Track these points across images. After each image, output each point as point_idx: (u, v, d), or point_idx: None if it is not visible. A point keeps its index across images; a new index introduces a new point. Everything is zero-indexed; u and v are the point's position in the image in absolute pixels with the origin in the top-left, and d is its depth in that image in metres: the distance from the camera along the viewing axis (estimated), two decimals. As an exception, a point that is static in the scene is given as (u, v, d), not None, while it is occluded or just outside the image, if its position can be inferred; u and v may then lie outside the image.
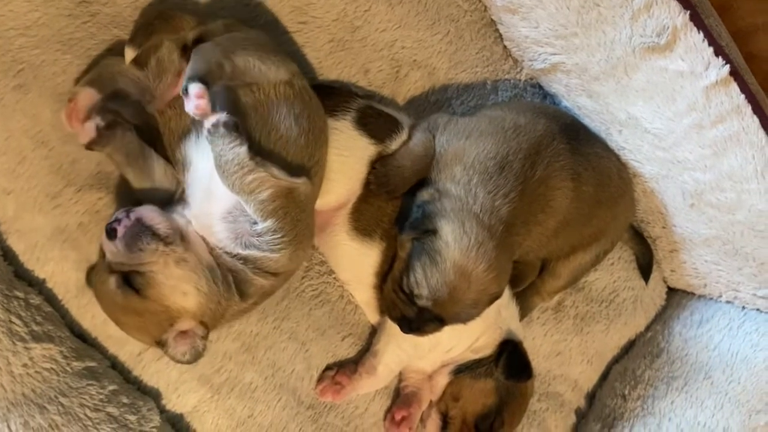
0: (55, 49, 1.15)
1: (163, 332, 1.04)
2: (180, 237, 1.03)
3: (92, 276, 1.12)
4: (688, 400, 1.37)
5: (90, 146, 1.08)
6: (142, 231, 1.00)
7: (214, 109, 0.99)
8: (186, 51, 1.09)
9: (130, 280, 1.00)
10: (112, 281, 1.01)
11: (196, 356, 1.05)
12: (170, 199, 1.10)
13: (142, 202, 1.08)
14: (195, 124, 1.06)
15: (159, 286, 1.01)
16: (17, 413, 1.02)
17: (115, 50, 1.18)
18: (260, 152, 1.02)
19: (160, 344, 1.05)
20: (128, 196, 1.15)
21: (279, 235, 1.03)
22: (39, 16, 1.14)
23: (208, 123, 0.99)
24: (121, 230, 1.00)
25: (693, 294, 1.53)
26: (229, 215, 1.04)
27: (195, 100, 0.97)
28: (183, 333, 1.04)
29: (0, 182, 1.12)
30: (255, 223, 1.02)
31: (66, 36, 1.16)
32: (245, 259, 1.04)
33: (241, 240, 1.04)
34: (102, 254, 1.06)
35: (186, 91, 0.98)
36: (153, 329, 1.03)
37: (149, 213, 1.03)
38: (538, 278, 1.40)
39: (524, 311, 1.40)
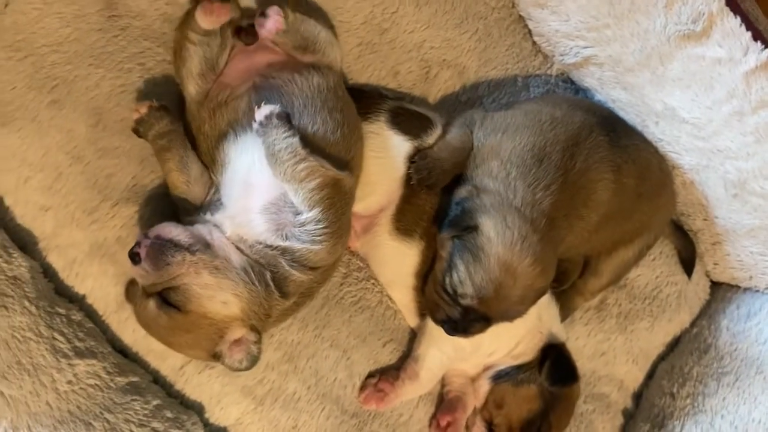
0: (88, 63, 1.17)
1: (215, 345, 1.05)
2: (204, 245, 1.04)
3: (131, 295, 1.14)
4: (741, 396, 1.35)
5: (137, 126, 1.11)
6: (163, 245, 1.02)
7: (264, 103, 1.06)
8: (239, 32, 1.16)
9: (168, 299, 1.02)
10: (152, 305, 1.02)
11: (253, 361, 1.06)
12: (200, 205, 1.11)
13: (177, 207, 1.12)
14: (232, 125, 1.09)
15: (197, 298, 1.02)
16: (64, 430, 1.03)
17: (147, 65, 1.21)
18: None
19: (216, 357, 1.06)
20: (164, 208, 1.17)
21: (322, 226, 1.04)
22: (70, 32, 1.17)
23: (260, 115, 1.03)
24: (143, 252, 1.01)
25: (738, 287, 1.51)
26: (272, 206, 1.06)
27: (275, 16, 1.12)
28: (236, 341, 1.05)
29: (38, 199, 1.14)
30: (299, 213, 1.04)
31: (98, 50, 1.18)
32: (284, 251, 1.05)
33: (282, 231, 1.05)
34: (135, 282, 1.07)
35: (265, 14, 1.12)
36: (205, 344, 1.05)
37: (166, 227, 1.04)
38: (579, 278, 1.38)
39: (567, 312, 1.39)
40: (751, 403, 1.33)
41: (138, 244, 1.02)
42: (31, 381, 1.03)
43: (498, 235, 1.09)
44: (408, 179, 1.19)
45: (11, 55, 1.13)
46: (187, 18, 1.15)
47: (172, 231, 1.04)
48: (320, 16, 1.26)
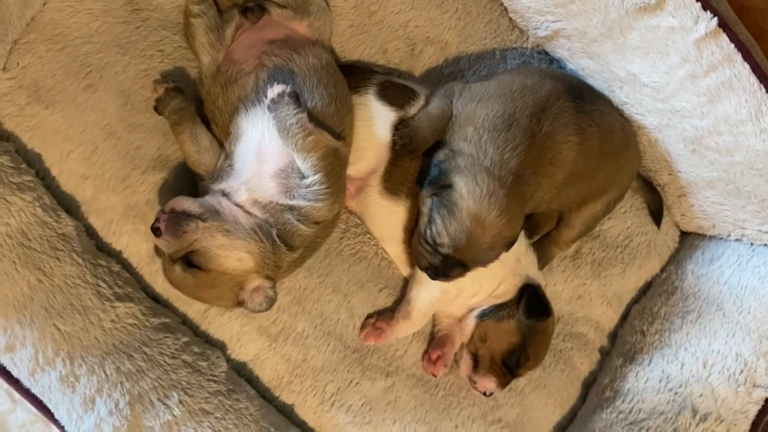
0: (115, 51, 1.30)
1: (237, 295, 1.18)
2: (214, 212, 1.15)
3: (160, 251, 1.25)
4: (702, 331, 1.44)
5: (157, 104, 1.26)
6: (179, 217, 1.12)
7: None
8: (245, 12, 1.29)
9: (192, 261, 1.14)
10: (178, 268, 1.15)
11: (271, 303, 1.20)
12: (212, 170, 1.24)
13: (194, 172, 1.25)
14: (242, 100, 1.22)
15: (215, 257, 1.14)
16: (110, 360, 1.18)
17: (166, 51, 1.33)
18: None
19: (240, 304, 1.19)
20: (185, 175, 1.31)
21: (324, 187, 1.17)
22: (99, 25, 1.30)
23: (273, 93, 1.16)
24: (162, 225, 1.12)
25: (704, 235, 1.59)
26: (282, 172, 1.19)
27: None
28: (255, 289, 1.18)
29: (79, 169, 1.28)
30: (304, 177, 1.17)
31: (123, 40, 1.31)
32: (292, 208, 1.18)
33: (290, 193, 1.18)
34: (161, 252, 1.20)
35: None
36: (229, 294, 1.18)
37: (179, 201, 1.15)
38: (554, 229, 1.48)
39: (544, 260, 1.49)
40: (711, 337, 1.42)
41: (157, 219, 1.13)
42: (81, 319, 1.18)
43: (469, 192, 1.20)
44: (393, 145, 1.29)
45: (50, 47, 1.26)
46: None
47: (184, 203, 1.15)
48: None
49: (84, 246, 1.24)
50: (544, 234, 1.50)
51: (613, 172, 1.42)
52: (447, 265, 1.24)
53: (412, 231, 1.33)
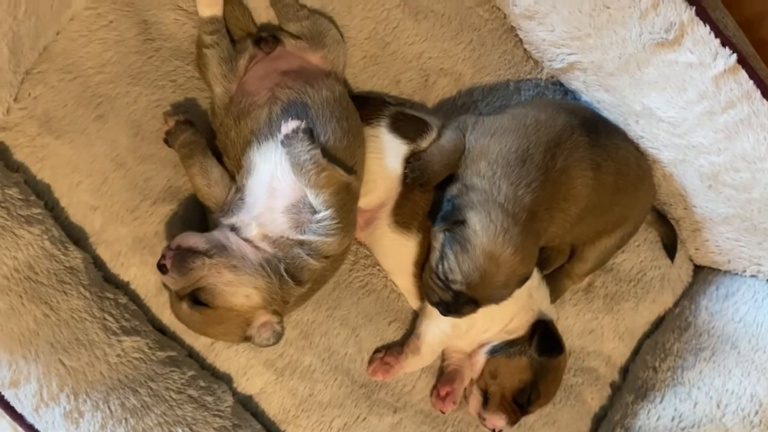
0: (127, 82, 1.29)
1: (245, 331, 1.17)
2: (221, 248, 1.14)
3: (170, 302, 1.25)
4: (716, 369, 1.42)
5: (167, 136, 1.26)
6: (185, 254, 1.11)
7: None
8: (259, 42, 1.29)
9: (198, 298, 1.13)
10: (185, 306, 1.14)
11: (278, 337, 1.19)
12: (222, 204, 1.23)
13: (203, 205, 1.25)
14: (255, 134, 1.21)
15: (222, 294, 1.13)
16: (115, 396, 1.17)
17: (178, 81, 1.33)
18: None
19: (247, 339, 1.19)
20: (195, 207, 1.30)
21: (335, 222, 1.16)
22: (112, 55, 1.29)
23: (287, 128, 1.16)
24: (168, 262, 1.11)
25: (719, 270, 1.57)
26: (294, 207, 1.18)
27: None
28: (262, 325, 1.18)
29: (88, 200, 1.27)
30: (317, 212, 1.17)
31: (135, 70, 1.30)
32: (302, 243, 1.17)
33: (301, 227, 1.17)
34: (168, 288, 1.18)
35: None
36: (237, 331, 1.18)
37: (186, 237, 1.14)
38: (567, 263, 1.47)
39: (556, 294, 1.47)
40: (726, 376, 1.40)
41: (163, 256, 1.11)
42: (87, 354, 1.17)
43: (483, 229, 1.19)
44: (404, 178, 1.28)
45: (62, 77, 1.25)
46: (198, 30, 1.29)
47: (191, 240, 1.14)
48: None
49: (91, 279, 1.23)
50: (556, 267, 1.49)
51: (627, 206, 1.41)
52: (459, 302, 1.23)
53: (423, 265, 1.32)
